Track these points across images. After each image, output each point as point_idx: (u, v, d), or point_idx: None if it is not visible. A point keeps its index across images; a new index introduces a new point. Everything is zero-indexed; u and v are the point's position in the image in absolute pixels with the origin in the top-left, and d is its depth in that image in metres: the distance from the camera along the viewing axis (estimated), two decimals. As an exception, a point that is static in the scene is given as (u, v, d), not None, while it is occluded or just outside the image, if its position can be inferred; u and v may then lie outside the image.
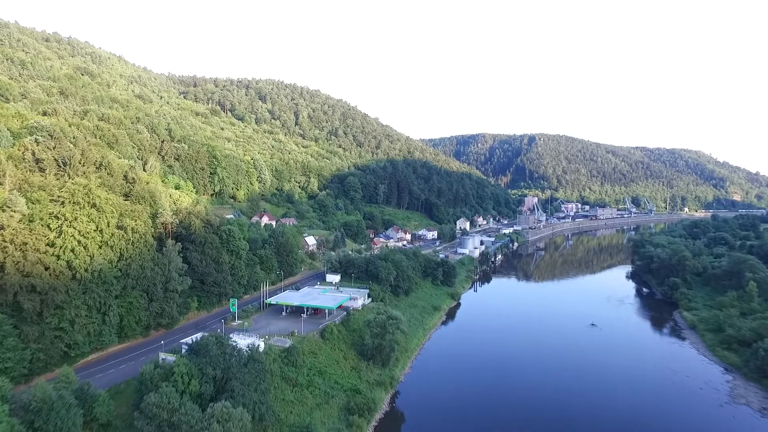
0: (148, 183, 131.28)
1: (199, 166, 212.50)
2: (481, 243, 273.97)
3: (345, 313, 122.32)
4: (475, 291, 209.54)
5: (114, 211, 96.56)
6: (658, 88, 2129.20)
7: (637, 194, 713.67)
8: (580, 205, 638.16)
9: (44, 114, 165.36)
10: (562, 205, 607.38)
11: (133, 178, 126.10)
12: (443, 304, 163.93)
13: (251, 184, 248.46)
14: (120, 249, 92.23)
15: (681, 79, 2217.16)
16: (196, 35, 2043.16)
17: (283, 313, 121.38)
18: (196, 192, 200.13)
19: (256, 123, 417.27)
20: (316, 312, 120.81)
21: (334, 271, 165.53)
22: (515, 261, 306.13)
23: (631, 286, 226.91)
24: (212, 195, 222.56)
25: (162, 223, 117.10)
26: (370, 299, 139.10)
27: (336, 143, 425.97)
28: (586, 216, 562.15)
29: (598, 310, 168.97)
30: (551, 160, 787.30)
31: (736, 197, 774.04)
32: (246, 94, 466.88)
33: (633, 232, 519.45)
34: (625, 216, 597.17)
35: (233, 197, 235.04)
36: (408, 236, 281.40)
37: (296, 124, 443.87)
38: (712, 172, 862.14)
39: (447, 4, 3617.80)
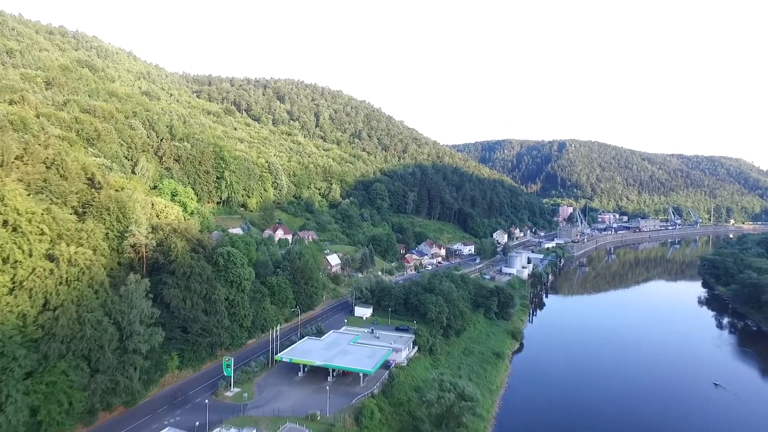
0: (122, 189, 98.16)
1: (204, 168, 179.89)
2: (529, 261, 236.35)
3: (386, 373, 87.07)
4: (531, 322, 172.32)
5: (45, 232, 63.18)
6: (692, 93, 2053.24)
7: (678, 204, 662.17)
8: (617, 216, 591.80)
9: (10, 103, 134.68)
10: (599, 216, 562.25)
11: (100, 183, 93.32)
12: (505, 349, 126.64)
13: (265, 190, 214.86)
14: (44, 293, 58.49)
15: (717, 83, 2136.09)
16: (214, 35, 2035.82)
17: (300, 374, 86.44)
18: (199, 200, 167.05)
19: (273, 124, 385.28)
20: (346, 373, 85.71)
21: (364, 302, 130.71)
22: (563, 280, 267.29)
23: (714, 315, 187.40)
24: (218, 203, 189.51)
25: (132, 246, 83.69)
26: (416, 347, 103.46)
27: (360, 146, 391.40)
28: (628, 228, 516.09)
29: (710, 359, 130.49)
30: (584, 168, 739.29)
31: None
32: (263, 94, 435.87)
33: (677, 246, 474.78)
34: (670, 228, 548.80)
35: (243, 206, 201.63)
36: (443, 251, 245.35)
37: (317, 125, 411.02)
38: (757, 181, 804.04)
39: (471, 7, 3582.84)
